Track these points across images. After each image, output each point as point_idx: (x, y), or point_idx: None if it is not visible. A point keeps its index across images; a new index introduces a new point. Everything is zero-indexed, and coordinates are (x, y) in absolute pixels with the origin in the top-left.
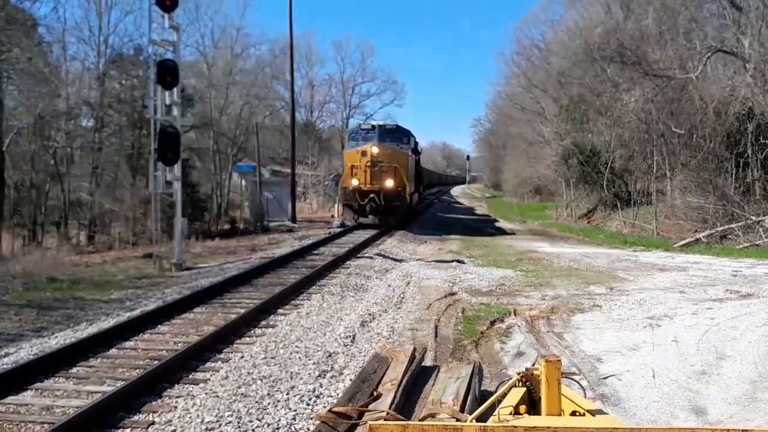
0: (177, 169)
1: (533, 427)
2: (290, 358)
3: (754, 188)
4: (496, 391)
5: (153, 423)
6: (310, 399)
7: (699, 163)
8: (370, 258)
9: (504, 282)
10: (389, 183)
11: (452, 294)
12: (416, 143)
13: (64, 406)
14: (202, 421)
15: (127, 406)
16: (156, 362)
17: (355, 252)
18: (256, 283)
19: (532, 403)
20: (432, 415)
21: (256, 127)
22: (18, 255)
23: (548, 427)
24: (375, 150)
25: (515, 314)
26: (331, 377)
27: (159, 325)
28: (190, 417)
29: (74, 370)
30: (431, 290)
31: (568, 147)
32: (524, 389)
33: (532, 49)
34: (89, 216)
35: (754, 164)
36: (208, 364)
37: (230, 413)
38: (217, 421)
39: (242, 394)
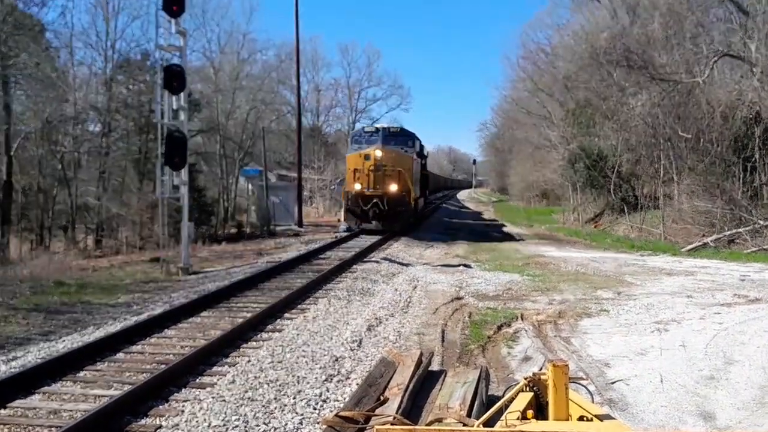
0: (184, 173)
1: None
2: (297, 363)
3: (762, 192)
4: (503, 396)
5: (160, 427)
6: (316, 403)
7: (706, 167)
8: (377, 262)
9: (511, 286)
10: (393, 187)
11: (459, 298)
12: (422, 147)
13: (71, 410)
14: (209, 426)
15: (134, 410)
16: (163, 366)
17: (361, 256)
18: (262, 287)
19: (539, 408)
20: (439, 420)
21: (262, 131)
22: (25, 259)
23: None
24: (378, 153)
25: (522, 319)
26: (338, 381)
27: (166, 329)
28: (197, 421)
29: (81, 374)
30: (438, 294)
31: (575, 151)
32: (531, 394)
33: (538, 54)
34: (96, 220)
35: (761, 168)
36: (215, 368)
37: (237, 417)
38: (224, 425)
39: (249, 398)
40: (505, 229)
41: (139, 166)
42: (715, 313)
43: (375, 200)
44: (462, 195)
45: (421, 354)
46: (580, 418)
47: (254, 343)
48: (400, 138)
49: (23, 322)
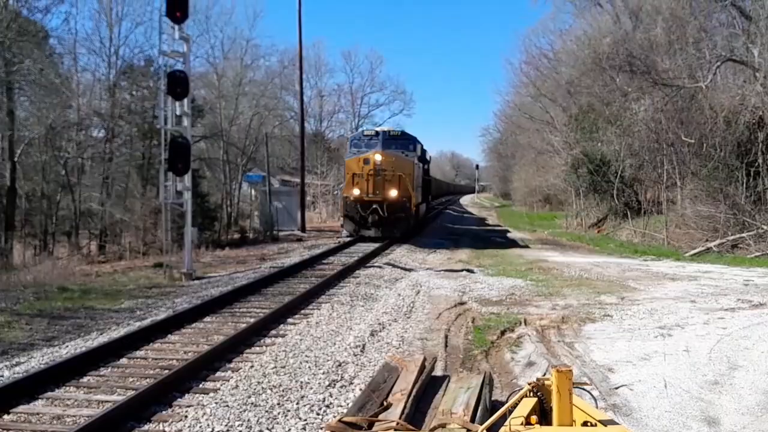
0: (187, 179)
1: None
2: (300, 368)
3: (765, 197)
4: (506, 402)
5: None
6: (320, 409)
7: (709, 172)
8: (380, 267)
9: (514, 291)
10: (393, 193)
11: (462, 303)
12: (424, 151)
13: (74, 416)
14: (212, 431)
15: (138, 416)
16: (166, 372)
17: (364, 261)
18: (265, 292)
19: (543, 414)
20: (442, 426)
21: (265, 137)
22: (29, 265)
23: None
24: (378, 157)
25: (526, 324)
26: (341, 387)
27: (169, 335)
28: (200, 427)
29: (85, 379)
30: (441, 300)
31: (578, 156)
32: (535, 399)
33: (540, 59)
34: (100, 226)
35: (765, 173)
36: (218, 374)
37: (240, 423)
38: (228, 430)
39: (252, 403)
40: (508, 234)
41: (143, 171)
42: (719, 318)
43: (374, 206)
44: (465, 200)
45: (425, 359)
46: (584, 424)
47: (257, 348)
48: (400, 141)
49: (27, 328)
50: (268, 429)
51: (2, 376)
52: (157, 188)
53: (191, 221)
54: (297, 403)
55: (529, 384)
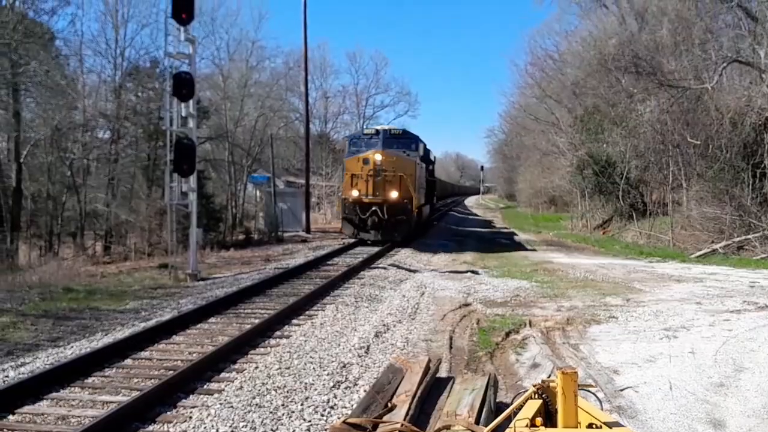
0: (192, 180)
1: None
2: (304, 369)
3: None
4: (511, 403)
5: None
6: (324, 410)
7: (715, 173)
8: (384, 268)
9: (519, 293)
10: (393, 194)
11: (467, 305)
12: (427, 150)
13: (79, 416)
14: None
15: (142, 417)
16: (171, 372)
17: (368, 262)
18: (270, 293)
19: (548, 416)
20: (447, 427)
21: (270, 138)
22: (35, 265)
23: None
24: (378, 157)
25: (530, 325)
26: (346, 388)
27: (174, 336)
28: (204, 427)
29: (90, 380)
30: (446, 301)
31: (583, 157)
32: (540, 401)
33: (546, 60)
34: (105, 227)
35: None
36: (222, 375)
37: (245, 424)
38: (232, 431)
39: (257, 404)
40: (513, 236)
41: (148, 173)
42: (724, 320)
43: (374, 208)
44: (469, 201)
45: (429, 361)
46: (590, 426)
47: (262, 349)
48: (402, 141)
49: (32, 328)
50: (272, 430)
51: (8, 376)
52: (162, 189)
53: (196, 222)
54: (301, 404)
55: (534, 386)
